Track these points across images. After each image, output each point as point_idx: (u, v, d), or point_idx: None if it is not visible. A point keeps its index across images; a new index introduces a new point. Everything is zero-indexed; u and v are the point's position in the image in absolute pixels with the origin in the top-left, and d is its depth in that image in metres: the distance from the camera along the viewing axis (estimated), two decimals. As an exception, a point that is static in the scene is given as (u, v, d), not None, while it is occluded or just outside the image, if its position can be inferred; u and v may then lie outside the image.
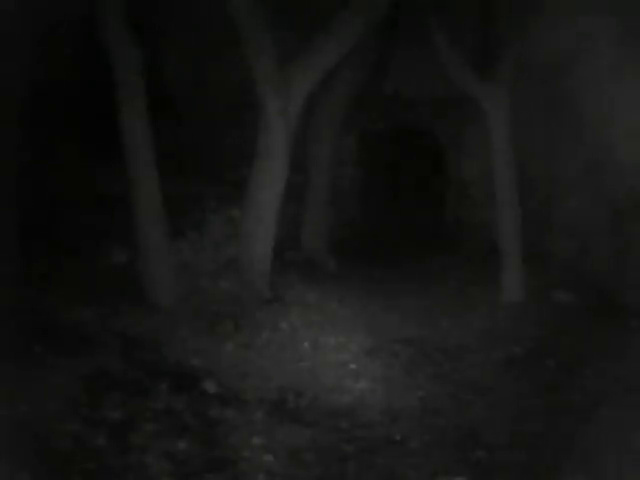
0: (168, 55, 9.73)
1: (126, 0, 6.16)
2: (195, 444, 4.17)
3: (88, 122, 7.72)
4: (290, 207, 7.86)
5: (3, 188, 6.13)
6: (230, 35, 6.91)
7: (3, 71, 6.15)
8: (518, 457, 4.25)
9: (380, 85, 9.89)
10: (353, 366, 5.78)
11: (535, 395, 5.18)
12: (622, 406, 4.85)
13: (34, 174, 6.89)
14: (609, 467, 4.05)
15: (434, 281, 8.53)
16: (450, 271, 8.83)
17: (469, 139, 10.09)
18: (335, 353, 6.04)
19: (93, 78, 7.43)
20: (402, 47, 9.50)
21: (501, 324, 6.91)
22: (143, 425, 4.29)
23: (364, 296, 7.73)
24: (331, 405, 4.96)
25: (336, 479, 3.99)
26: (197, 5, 9.39)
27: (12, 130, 6.43)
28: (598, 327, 6.55)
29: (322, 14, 7.35)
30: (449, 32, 7.62)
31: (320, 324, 6.68)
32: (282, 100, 6.88)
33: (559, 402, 5.05)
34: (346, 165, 10.38)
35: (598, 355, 5.85)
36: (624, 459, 4.14)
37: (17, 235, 5.97)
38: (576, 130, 8.06)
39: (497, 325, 6.89)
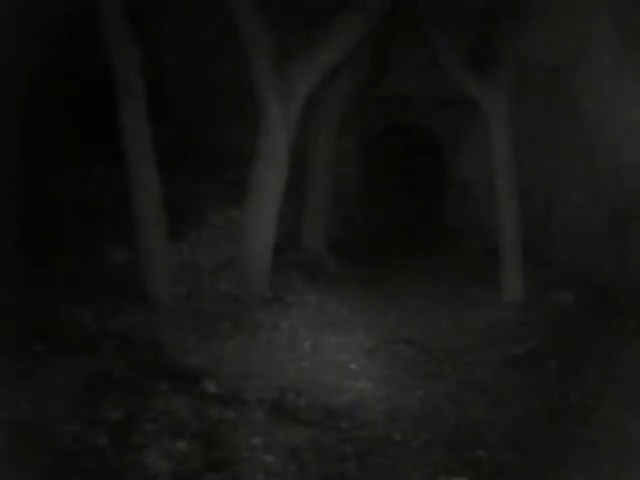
0: (168, 55, 9.73)
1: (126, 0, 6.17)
2: (195, 444, 4.16)
3: (88, 122, 7.72)
4: (290, 207, 7.87)
5: (3, 188, 6.13)
6: (230, 35, 6.91)
7: (3, 71, 6.16)
8: (518, 457, 4.26)
9: (380, 85, 9.89)
10: (353, 366, 5.78)
11: (535, 395, 5.18)
12: (622, 406, 4.86)
13: (34, 174, 6.89)
14: (609, 467, 4.05)
15: (434, 281, 8.53)
16: (450, 271, 8.84)
17: (469, 139, 10.10)
18: (335, 353, 6.04)
19: (93, 78, 7.43)
20: (402, 47, 9.51)
21: (501, 324, 6.91)
22: (143, 425, 4.29)
23: (364, 296, 7.73)
24: (331, 405, 4.96)
25: (336, 479, 3.99)
26: (197, 5, 9.40)
27: (12, 130, 6.43)
28: (598, 327, 6.55)
29: (322, 14, 7.35)
30: (449, 32, 7.62)
31: (320, 324, 6.68)
32: (282, 100, 6.88)
33: (559, 402, 5.05)
34: (346, 165, 10.38)
35: (598, 355, 5.85)
36: (624, 459, 4.14)
37: (17, 235, 5.97)
38: (576, 130, 8.06)
39: (497, 325, 6.89)
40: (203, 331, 6.01)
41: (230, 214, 7.80)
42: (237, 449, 4.20)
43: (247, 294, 6.91)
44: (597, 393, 5.14)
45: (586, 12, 7.55)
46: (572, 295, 7.44)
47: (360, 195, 10.89)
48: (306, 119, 7.89)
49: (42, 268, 6.27)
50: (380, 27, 8.02)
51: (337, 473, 4.03)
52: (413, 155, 11.30)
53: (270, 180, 7.02)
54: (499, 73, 7.49)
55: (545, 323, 6.81)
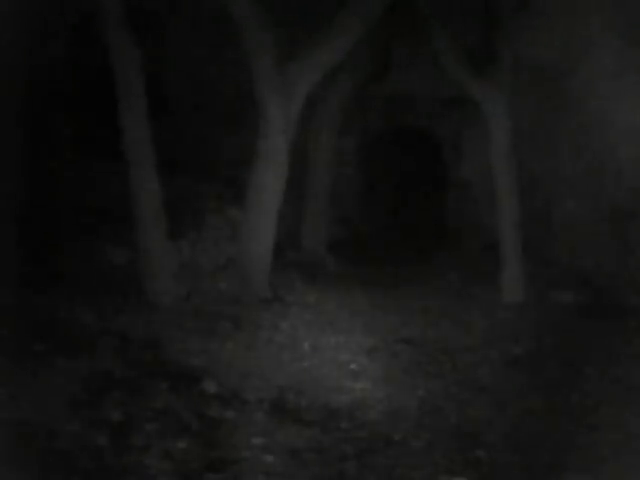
0: (168, 54, 9.72)
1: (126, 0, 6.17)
2: (195, 444, 4.16)
3: (88, 122, 7.72)
4: (290, 207, 7.86)
5: (3, 188, 6.13)
6: (230, 35, 6.92)
7: (3, 71, 6.16)
8: (518, 457, 4.25)
9: (380, 85, 9.89)
10: (353, 366, 5.78)
11: (535, 395, 5.18)
12: (622, 406, 4.85)
13: (34, 174, 6.88)
14: (609, 467, 4.05)
15: (434, 281, 8.53)
16: (450, 271, 8.83)
17: (469, 139, 10.10)
18: (335, 353, 6.04)
19: (93, 78, 7.43)
20: (403, 47, 9.51)
21: (501, 324, 6.91)
22: (143, 425, 4.28)
23: (364, 296, 7.73)
24: (331, 405, 4.95)
25: (336, 479, 3.98)
26: (197, 5, 9.40)
27: (11, 130, 6.43)
28: (598, 327, 6.56)
29: (322, 14, 7.35)
30: (449, 32, 7.62)
31: (320, 324, 6.67)
32: (282, 100, 6.88)
33: (559, 402, 5.05)
34: (346, 165, 10.39)
35: (598, 355, 5.85)
36: (624, 459, 4.14)
37: (17, 235, 5.97)
38: (576, 131, 8.06)
39: (497, 325, 6.89)
40: (203, 331, 6.00)
41: (230, 214, 7.80)
42: (237, 449, 4.19)
43: (247, 294, 6.91)
44: (597, 393, 5.14)
45: (587, 12, 7.55)
46: (572, 295, 7.45)
47: (360, 195, 10.89)
48: (306, 119, 7.89)
49: (42, 268, 6.26)
50: (380, 27, 8.03)
51: (337, 473, 4.03)
52: (413, 155, 11.29)
53: (270, 180, 7.02)
54: (499, 73, 7.49)
55: (545, 323, 6.82)
